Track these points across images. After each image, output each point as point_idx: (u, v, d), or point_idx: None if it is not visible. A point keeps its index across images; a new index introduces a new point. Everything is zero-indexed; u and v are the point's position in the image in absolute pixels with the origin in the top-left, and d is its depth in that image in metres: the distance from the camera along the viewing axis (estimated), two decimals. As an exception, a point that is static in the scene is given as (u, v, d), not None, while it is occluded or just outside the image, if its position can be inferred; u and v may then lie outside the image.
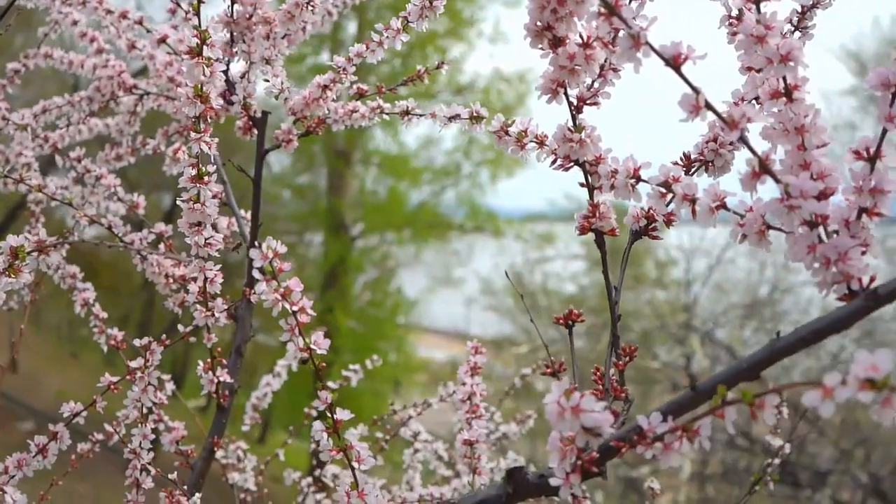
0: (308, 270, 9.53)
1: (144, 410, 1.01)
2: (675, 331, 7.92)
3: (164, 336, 1.03)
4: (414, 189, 9.98)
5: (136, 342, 1.00)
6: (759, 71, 0.66)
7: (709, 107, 0.61)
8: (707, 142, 0.79)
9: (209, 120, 0.95)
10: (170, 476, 1.07)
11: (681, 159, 0.80)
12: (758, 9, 0.67)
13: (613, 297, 0.77)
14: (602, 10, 0.63)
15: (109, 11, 1.39)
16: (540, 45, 0.70)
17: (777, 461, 1.41)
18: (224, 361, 1.10)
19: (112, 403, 1.05)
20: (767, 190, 0.65)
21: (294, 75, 7.99)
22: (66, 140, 1.51)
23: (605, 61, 0.74)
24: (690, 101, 0.61)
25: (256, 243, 0.69)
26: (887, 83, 0.61)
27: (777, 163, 0.65)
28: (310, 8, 1.16)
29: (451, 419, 1.17)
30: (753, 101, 0.72)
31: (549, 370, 0.83)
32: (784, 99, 0.65)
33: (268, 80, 1.18)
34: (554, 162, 0.77)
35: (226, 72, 1.19)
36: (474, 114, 1.10)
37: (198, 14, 0.98)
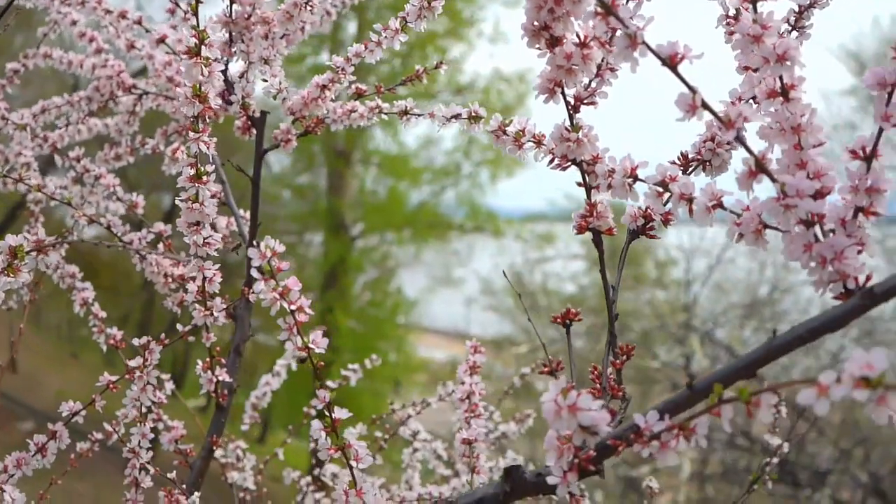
0: (308, 270, 9.53)
1: (143, 409, 1.01)
2: (675, 331, 7.93)
3: (162, 335, 1.03)
4: (414, 189, 9.98)
5: (135, 341, 1.01)
6: (755, 70, 0.66)
7: (705, 106, 0.61)
8: (704, 141, 0.79)
9: (207, 120, 0.95)
10: (169, 475, 1.07)
11: (678, 159, 0.80)
12: (754, 8, 0.67)
13: (611, 296, 0.78)
14: (599, 9, 0.63)
15: (108, 11, 1.39)
16: (537, 45, 0.71)
17: (775, 460, 1.41)
18: (223, 361, 1.10)
19: (111, 403, 1.05)
20: (764, 189, 0.65)
21: (294, 75, 8.00)
22: (66, 140, 1.51)
23: (603, 61, 0.75)
24: (687, 100, 0.61)
25: (255, 243, 0.69)
26: (884, 82, 0.61)
27: (774, 162, 0.66)
28: (308, 8, 1.16)
29: (451, 419, 1.17)
30: (751, 101, 0.72)
31: (546, 369, 0.83)
32: (781, 98, 0.66)
33: (266, 80, 1.18)
34: (551, 161, 0.78)
35: (224, 72, 1.19)
36: (473, 113, 1.10)
37: (196, 14, 0.98)
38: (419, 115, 1.21)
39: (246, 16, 1.15)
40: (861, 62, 7.85)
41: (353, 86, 1.24)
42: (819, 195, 0.62)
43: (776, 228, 0.64)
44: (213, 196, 0.95)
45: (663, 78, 0.63)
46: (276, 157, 9.01)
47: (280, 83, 1.19)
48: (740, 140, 0.63)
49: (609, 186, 0.75)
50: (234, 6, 1.15)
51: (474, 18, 9.39)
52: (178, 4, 1.19)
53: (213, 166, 0.95)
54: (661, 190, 0.72)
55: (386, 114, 1.25)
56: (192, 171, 0.94)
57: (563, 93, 0.74)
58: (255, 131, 1.23)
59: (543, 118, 0.79)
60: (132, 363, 1.00)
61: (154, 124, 1.57)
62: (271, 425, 9.07)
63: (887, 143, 0.64)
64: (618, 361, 0.76)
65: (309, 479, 1.75)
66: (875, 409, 0.46)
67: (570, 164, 0.77)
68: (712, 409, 0.56)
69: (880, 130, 0.61)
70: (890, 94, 0.61)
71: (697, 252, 8.59)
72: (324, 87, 1.21)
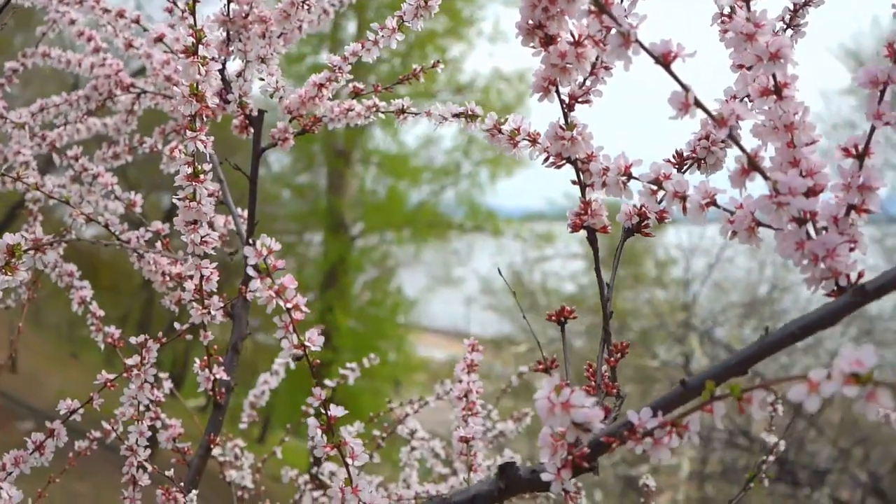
0: (308, 270, 9.54)
1: (141, 408, 1.02)
2: (675, 330, 7.93)
3: (160, 334, 1.04)
4: (413, 188, 9.99)
5: (133, 340, 1.01)
6: (749, 68, 0.67)
7: (698, 104, 0.61)
8: (699, 139, 0.80)
9: (205, 118, 0.95)
10: (167, 473, 1.08)
11: (673, 157, 0.80)
12: (748, 6, 0.67)
13: (605, 294, 0.78)
14: (593, 8, 0.63)
15: (106, 10, 1.40)
16: (532, 44, 0.71)
17: (772, 458, 1.42)
18: (220, 359, 1.10)
19: (110, 402, 1.05)
20: (759, 187, 0.65)
21: (294, 75, 8.00)
22: (65, 139, 1.51)
23: (597, 59, 0.75)
24: (680, 98, 0.61)
25: (251, 241, 0.70)
26: (876, 81, 0.61)
27: (767, 160, 0.66)
28: (305, 7, 1.17)
29: (450, 418, 1.18)
30: (744, 99, 0.73)
31: (541, 367, 0.83)
32: (774, 96, 0.66)
33: (263, 79, 1.19)
34: (546, 160, 0.78)
35: (222, 70, 1.19)
36: (469, 112, 1.11)
37: (193, 13, 0.98)
38: (416, 114, 1.21)
39: (243, 15, 1.16)
40: (860, 61, 7.85)
41: (351, 84, 1.24)
42: (811, 193, 0.62)
43: (769, 226, 0.64)
44: (210, 195, 0.96)
45: (658, 76, 0.64)
46: (276, 157, 9.01)
47: (277, 82, 1.19)
48: (733, 138, 0.63)
49: (603, 184, 0.76)
50: (232, 5, 1.15)
51: (474, 18, 9.40)
52: (175, 3, 1.19)
53: (211, 165, 0.96)
54: (654, 188, 0.73)
55: (383, 112, 1.25)
56: (190, 170, 0.94)
57: (557, 91, 0.75)
58: (252, 130, 1.23)
59: (543, 118, 0.79)
60: (130, 362, 1.00)
61: (152, 123, 1.57)
62: (271, 425, 9.08)
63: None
64: (612, 359, 0.77)
65: (307, 477, 1.76)
66: (865, 405, 0.46)
67: (564, 162, 0.77)
68: (704, 406, 0.56)
69: (872, 128, 0.62)
70: (882, 93, 0.61)
71: (697, 251, 8.61)
72: (321, 85, 1.21)
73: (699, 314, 8.24)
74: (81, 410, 1.02)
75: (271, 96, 1.21)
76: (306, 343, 0.72)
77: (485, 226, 9.95)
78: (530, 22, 0.70)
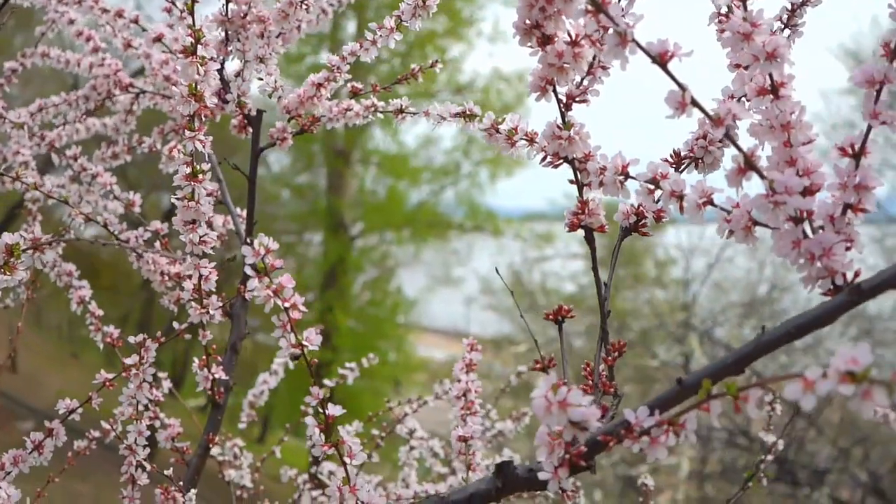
0: (307, 270, 9.54)
1: (140, 407, 1.02)
2: (674, 330, 7.93)
3: (158, 333, 1.04)
4: (413, 188, 9.99)
5: (131, 339, 1.01)
6: (746, 68, 0.67)
7: (695, 103, 0.62)
8: (697, 139, 0.80)
9: (203, 118, 0.95)
10: (166, 472, 1.08)
11: (671, 156, 0.80)
12: (745, 6, 0.67)
13: (603, 293, 0.78)
14: (589, 7, 0.63)
15: (105, 10, 1.40)
16: (529, 44, 0.71)
17: (770, 458, 1.42)
18: (219, 358, 1.10)
19: (110, 402, 1.05)
20: (756, 186, 0.65)
21: (293, 74, 8.00)
22: (64, 139, 1.51)
23: (594, 59, 0.75)
24: (676, 97, 0.62)
25: (249, 240, 0.70)
26: (872, 80, 0.61)
27: (764, 159, 0.66)
28: (304, 7, 1.17)
29: (449, 418, 1.18)
30: (742, 98, 0.73)
31: (538, 366, 0.83)
32: (770, 96, 0.66)
33: (262, 79, 1.19)
34: (544, 159, 0.78)
35: (220, 70, 1.19)
36: (467, 112, 1.11)
37: (192, 13, 0.98)
38: (414, 114, 1.21)
39: (242, 14, 1.16)
40: (860, 61, 7.85)
41: (350, 84, 1.25)
42: (808, 192, 0.62)
43: (766, 225, 0.64)
44: (209, 194, 0.96)
45: (655, 76, 0.64)
46: (276, 157, 9.01)
47: (275, 81, 1.20)
48: (729, 137, 0.63)
49: (601, 184, 0.76)
50: (230, 5, 1.15)
51: (474, 18, 9.41)
52: (174, 3, 1.19)
53: (210, 165, 0.96)
54: (652, 187, 0.73)
55: (382, 112, 1.25)
56: (188, 170, 0.95)
57: (555, 91, 0.75)
58: (251, 130, 1.24)
59: (543, 117, 0.79)
60: (128, 361, 1.00)
61: (151, 123, 1.57)
62: (271, 425, 9.09)
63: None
64: (609, 358, 0.77)
65: (306, 476, 1.76)
66: (860, 403, 0.46)
67: (562, 161, 0.77)
68: (701, 405, 0.56)
69: (868, 128, 0.62)
70: (878, 92, 0.61)
71: (696, 251, 8.61)
72: (319, 85, 1.21)
73: (699, 314, 8.25)
74: (80, 410, 1.02)
75: (270, 96, 1.21)
76: (304, 342, 0.72)
77: (485, 226, 9.96)
78: (527, 22, 0.70)
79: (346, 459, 0.75)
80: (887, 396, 0.45)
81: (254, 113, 1.23)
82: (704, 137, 0.79)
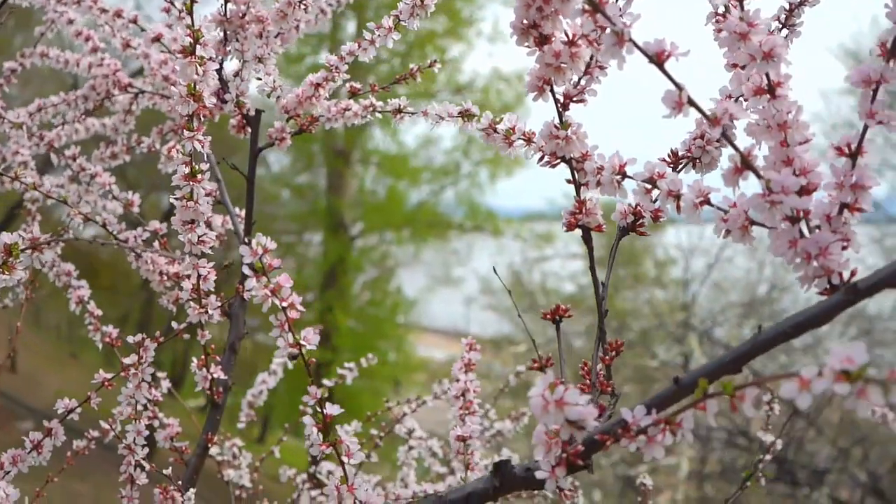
0: (307, 270, 9.55)
1: (139, 407, 1.02)
2: (674, 330, 7.93)
3: (157, 333, 1.04)
4: (413, 188, 10.00)
5: (130, 339, 1.01)
6: (743, 67, 0.67)
7: (692, 103, 0.62)
8: (694, 139, 0.80)
9: (202, 118, 0.95)
10: (164, 472, 1.08)
11: (668, 156, 0.80)
12: (741, 6, 0.67)
13: (600, 292, 0.78)
14: (587, 7, 0.63)
15: (104, 10, 1.40)
16: (526, 43, 0.71)
17: (769, 457, 1.42)
18: (218, 358, 1.10)
19: (109, 401, 1.06)
20: (753, 186, 0.66)
21: (293, 74, 8.00)
22: (63, 139, 1.51)
23: (591, 59, 0.75)
24: (673, 97, 0.62)
25: (247, 240, 0.70)
26: (868, 80, 0.62)
27: (761, 159, 0.66)
28: (302, 7, 1.17)
29: (449, 418, 1.18)
30: (739, 98, 0.73)
31: (536, 365, 0.83)
32: (767, 95, 0.66)
33: (260, 79, 1.19)
34: (541, 159, 0.78)
35: (219, 70, 1.20)
36: (466, 111, 1.11)
37: (191, 13, 0.98)
38: (413, 114, 1.21)
39: (240, 14, 1.16)
40: (860, 61, 7.84)
41: (348, 84, 1.25)
42: (804, 191, 0.62)
43: (762, 225, 0.64)
44: (207, 194, 0.96)
45: (652, 76, 0.64)
46: (276, 157, 9.02)
47: (274, 81, 1.20)
48: (726, 137, 0.63)
49: (598, 183, 0.76)
50: (229, 5, 1.16)
51: (473, 18, 9.41)
52: (172, 3, 1.19)
53: (208, 164, 0.96)
54: (649, 187, 0.73)
55: (380, 112, 1.25)
56: (187, 170, 0.95)
57: (552, 91, 0.75)
58: (249, 130, 1.24)
59: (543, 117, 0.79)
60: (127, 361, 1.00)
61: (150, 123, 1.57)
62: (271, 425, 9.09)
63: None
64: (607, 357, 0.77)
65: (305, 476, 1.76)
66: (856, 402, 0.46)
67: (559, 161, 0.77)
68: (698, 404, 0.56)
69: (865, 127, 0.62)
70: (875, 92, 0.62)
71: (696, 251, 8.61)
72: (318, 85, 1.21)
73: (698, 314, 8.25)
74: (79, 410, 1.02)
75: (268, 96, 1.21)
76: (301, 342, 0.72)
77: (484, 226, 9.96)
78: (525, 21, 0.70)
79: (345, 459, 0.75)
80: (883, 395, 0.45)
81: (252, 113, 1.23)
82: (702, 137, 0.79)
